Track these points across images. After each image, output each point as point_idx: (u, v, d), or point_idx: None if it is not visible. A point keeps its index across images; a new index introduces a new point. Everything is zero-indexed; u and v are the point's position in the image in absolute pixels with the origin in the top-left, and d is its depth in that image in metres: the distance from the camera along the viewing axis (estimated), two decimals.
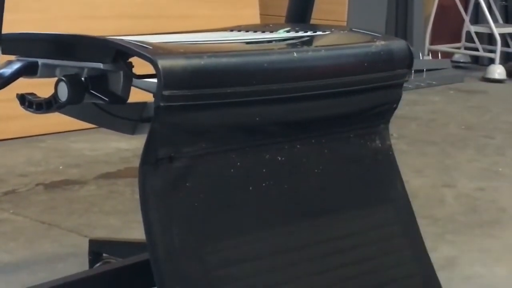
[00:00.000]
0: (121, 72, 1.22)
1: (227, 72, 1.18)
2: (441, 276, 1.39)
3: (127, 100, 1.24)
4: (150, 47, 1.15)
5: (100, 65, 1.21)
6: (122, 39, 1.21)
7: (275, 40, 1.41)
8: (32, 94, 1.31)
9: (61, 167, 2.62)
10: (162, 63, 1.11)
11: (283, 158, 1.25)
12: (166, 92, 1.11)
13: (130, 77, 1.23)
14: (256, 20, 3.47)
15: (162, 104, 1.11)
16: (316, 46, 1.35)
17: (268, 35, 1.45)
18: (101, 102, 1.24)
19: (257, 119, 1.21)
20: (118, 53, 1.20)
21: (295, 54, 1.27)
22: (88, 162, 2.69)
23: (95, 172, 2.57)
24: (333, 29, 1.49)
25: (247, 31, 1.52)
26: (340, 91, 1.30)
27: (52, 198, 2.31)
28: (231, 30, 1.55)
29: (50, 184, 2.44)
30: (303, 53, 1.29)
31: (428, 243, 1.38)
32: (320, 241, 1.29)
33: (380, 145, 1.38)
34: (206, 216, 1.17)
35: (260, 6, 3.63)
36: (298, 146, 1.27)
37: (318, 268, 1.27)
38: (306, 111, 1.28)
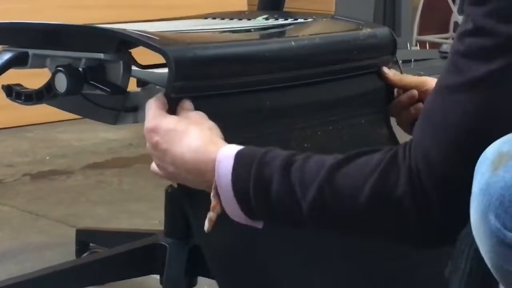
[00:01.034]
0: (121, 62, 1.21)
1: (237, 62, 1.17)
2: None
3: (126, 90, 1.23)
4: (157, 37, 1.14)
5: (101, 55, 1.20)
6: (124, 29, 1.19)
7: (264, 28, 1.41)
8: (19, 85, 1.29)
9: (48, 158, 2.61)
10: (174, 53, 1.09)
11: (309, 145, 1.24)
12: (177, 83, 1.09)
13: (129, 67, 1.22)
14: (243, 9, 3.46)
15: (173, 95, 1.09)
16: (311, 35, 1.34)
17: (250, 23, 1.44)
18: (101, 93, 1.22)
19: (266, 107, 1.20)
20: (121, 43, 1.19)
21: (292, 43, 1.26)
22: (75, 152, 2.68)
23: (82, 162, 2.56)
24: (314, 17, 1.48)
25: (222, 18, 1.51)
26: (335, 77, 1.30)
27: (39, 188, 2.30)
28: (205, 18, 1.53)
29: (37, 175, 2.43)
30: (300, 42, 1.28)
31: None
32: None
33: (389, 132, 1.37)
34: None
35: None
36: (318, 132, 1.26)
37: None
38: (316, 94, 1.27)
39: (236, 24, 1.44)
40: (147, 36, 1.14)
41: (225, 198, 0.99)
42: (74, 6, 3.05)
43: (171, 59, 1.08)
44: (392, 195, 0.89)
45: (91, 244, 1.70)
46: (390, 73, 1.34)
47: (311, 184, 0.93)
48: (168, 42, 1.14)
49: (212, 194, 1.01)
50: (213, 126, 1.06)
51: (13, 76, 1.30)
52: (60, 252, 1.81)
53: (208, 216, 1.02)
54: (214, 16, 1.54)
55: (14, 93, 1.29)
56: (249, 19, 1.47)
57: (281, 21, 1.45)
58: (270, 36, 1.37)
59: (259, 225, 1.02)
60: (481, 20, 0.85)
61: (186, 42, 1.16)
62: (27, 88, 1.28)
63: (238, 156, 0.99)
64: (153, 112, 1.07)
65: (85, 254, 1.68)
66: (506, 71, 0.84)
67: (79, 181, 2.38)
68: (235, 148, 1.00)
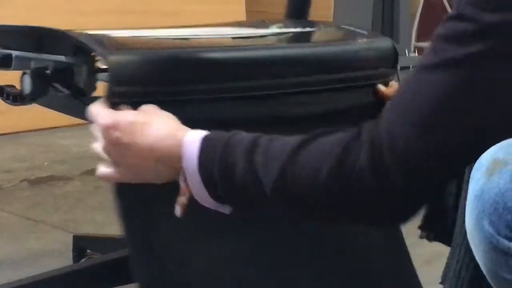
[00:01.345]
0: (84, 66, 1.21)
1: (182, 69, 1.13)
2: (428, 270, 1.39)
3: (91, 93, 1.23)
4: (106, 43, 1.12)
5: (63, 58, 1.21)
6: (81, 33, 1.19)
7: (262, 36, 1.40)
8: (11, 86, 1.31)
9: (46, 163, 2.61)
10: (113, 58, 1.07)
11: None
12: (118, 89, 1.07)
13: (93, 70, 1.22)
14: (242, 15, 3.47)
15: (114, 100, 1.07)
16: (296, 43, 1.33)
17: (254, 31, 1.44)
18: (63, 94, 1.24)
19: (214, 116, 1.16)
20: (77, 47, 1.19)
21: (260, 52, 1.23)
22: (74, 158, 2.68)
23: (80, 168, 2.56)
24: (321, 25, 1.47)
25: (240, 26, 1.51)
26: (324, 88, 1.27)
27: (37, 194, 2.30)
28: (224, 26, 1.53)
29: (35, 180, 2.43)
30: (266, 50, 1.25)
31: (415, 239, 1.37)
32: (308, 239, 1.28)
33: None
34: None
35: (246, 2, 3.63)
36: None
37: (311, 266, 1.26)
38: (282, 107, 1.23)
39: (240, 31, 1.43)
40: (96, 41, 1.13)
41: (192, 183, 0.99)
42: (74, 12, 3.05)
43: (109, 64, 1.07)
44: (352, 170, 0.88)
45: (88, 250, 1.70)
46: (383, 87, 1.31)
47: (274, 166, 0.93)
48: (114, 47, 1.12)
49: (180, 180, 1.00)
50: (170, 115, 1.05)
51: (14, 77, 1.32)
52: (58, 258, 1.81)
53: (178, 200, 1.02)
54: (236, 24, 1.52)
55: (5, 94, 1.30)
56: (263, 28, 1.45)
57: (284, 30, 1.43)
58: (255, 43, 1.35)
59: (226, 210, 1.01)
60: (464, 7, 0.84)
61: (134, 47, 1.14)
62: (18, 90, 1.30)
63: (204, 140, 0.98)
64: (104, 111, 1.05)
65: (82, 260, 1.68)
66: (483, 56, 0.83)
67: (78, 187, 2.38)
68: (201, 133, 1.00)
